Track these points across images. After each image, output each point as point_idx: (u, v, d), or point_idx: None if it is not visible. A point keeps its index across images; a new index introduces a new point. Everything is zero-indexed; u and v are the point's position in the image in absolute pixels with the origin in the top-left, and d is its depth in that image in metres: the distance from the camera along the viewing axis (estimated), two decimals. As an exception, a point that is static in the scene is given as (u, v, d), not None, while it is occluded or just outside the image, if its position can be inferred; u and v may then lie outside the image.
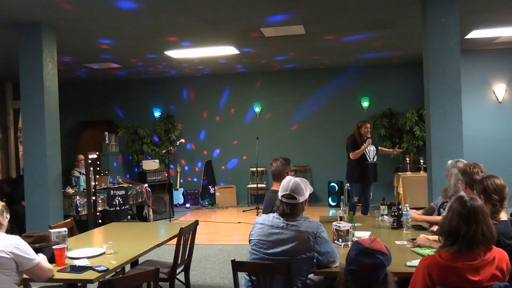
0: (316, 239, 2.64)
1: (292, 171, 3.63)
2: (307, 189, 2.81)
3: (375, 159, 6.86)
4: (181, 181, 10.24)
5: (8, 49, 6.88)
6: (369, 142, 6.71)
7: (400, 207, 3.83)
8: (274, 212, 2.84)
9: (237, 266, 2.82)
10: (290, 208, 2.73)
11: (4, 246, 2.56)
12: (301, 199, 2.76)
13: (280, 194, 2.79)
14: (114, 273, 3.43)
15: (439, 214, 3.80)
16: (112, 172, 8.95)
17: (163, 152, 9.81)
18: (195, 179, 10.41)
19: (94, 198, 6.41)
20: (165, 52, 7.47)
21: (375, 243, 1.95)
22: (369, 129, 6.82)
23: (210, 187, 10.04)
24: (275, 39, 6.84)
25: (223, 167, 10.36)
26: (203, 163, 10.26)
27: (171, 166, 10.01)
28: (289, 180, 2.80)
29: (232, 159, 10.34)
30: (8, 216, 2.78)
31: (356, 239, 2.12)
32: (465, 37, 7.10)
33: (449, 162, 3.79)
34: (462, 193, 3.31)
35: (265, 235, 2.73)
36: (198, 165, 10.41)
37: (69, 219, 4.41)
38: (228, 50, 7.48)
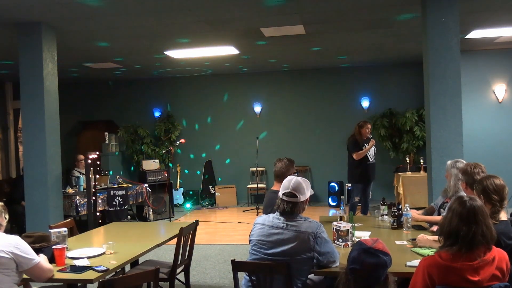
0: (316, 239, 2.64)
1: (295, 172, 3.63)
2: (308, 189, 2.82)
3: (374, 159, 6.92)
4: (181, 181, 10.24)
5: (8, 49, 6.88)
6: (373, 143, 6.76)
7: (400, 207, 3.83)
8: (274, 212, 2.84)
9: (237, 266, 2.82)
10: (291, 207, 2.73)
11: (4, 246, 2.56)
12: (302, 198, 2.76)
13: (281, 192, 2.79)
14: (114, 273, 3.43)
15: (439, 214, 3.80)
16: (112, 172, 8.95)
17: (163, 152, 9.81)
18: (195, 179, 10.40)
19: (94, 198, 6.41)
20: (165, 52, 7.48)
21: (377, 244, 1.96)
22: (370, 130, 6.88)
23: (210, 187, 10.04)
24: (275, 39, 6.84)
25: (223, 167, 10.36)
26: (203, 163, 10.26)
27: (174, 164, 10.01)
28: (290, 179, 2.81)
29: (232, 159, 10.34)
30: (7, 216, 2.78)
31: (359, 239, 2.12)
32: (465, 37, 7.09)
33: (449, 162, 3.79)
34: (462, 193, 3.31)
35: (265, 236, 2.73)
36: (198, 166, 10.41)
37: (69, 219, 4.41)
38: (228, 50, 7.48)
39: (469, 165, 3.29)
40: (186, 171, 10.47)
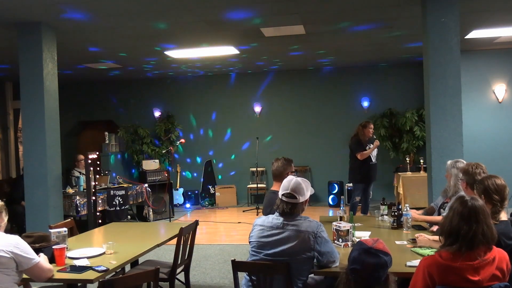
0: (316, 239, 2.64)
1: (294, 172, 3.63)
2: (308, 190, 2.81)
3: (376, 160, 6.95)
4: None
5: (8, 49, 6.88)
6: (377, 144, 6.81)
7: (400, 207, 3.83)
8: (273, 212, 2.84)
9: (237, 266, 2.82)
10: (290, 207, 2.73)
11: (4, 245, 2.56)
12: (301, 199, 2.76)
13: (280, 193, 2.79)
14: (114, 273, 3.43)
15: (439, 214, 3.80)
16: (112, 172, 8.95)
17: (163, 152, 9.81)
18: (195, 179, 10.40)
19: (94, 198, 6.41)
20: (165, 52, 7.47)
21: (378, 244, 1.96)
22: (372, 130, 6.92)
23: (210, 187, 10.04)
24: (275, 39, 6.84)
25: (223, 167, 10.36)
26: (203, 163, 10.26)
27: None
28: (290, 180, 2.80)
29: (232, 159, 10.34)
30: (7, 216, 2.78)
31: (359, 239, 2.12)
32: (465, 37, 7.09)
33: (449, 162, 3.79)
34: (462, 193, 3.31)
35: (265, 237, 2.73)
36: (198, 165, 10.41)
37: (69, 219, 4.41)
38: (228, 50, 7.48)
39: (471, 165, 3.28)
40: (186, 169, 10.48)
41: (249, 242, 2.84)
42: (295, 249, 2.64)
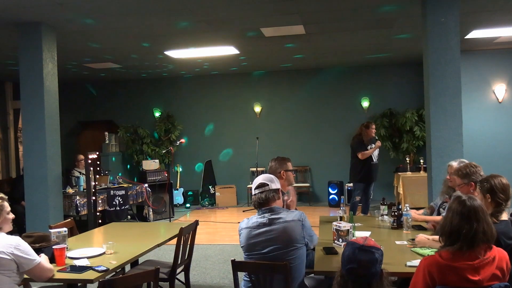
0: (303, 226, 2.72)
1: (292, 171, 3.62)
2: (278, 181, 2.89)
3: (377, 160, 6.96)
4: (180, 169, 10.22)
5: (8, 49, 6.88)
6: (379, 144, 6.85)
7: (400, 207, 3.83)
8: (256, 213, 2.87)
9: (237, 266, 2.82)
10: (265, 194, 2.78)
11: (4, 247, 2.56)
12: (273, 186, 2.82)
13: (253, 189, 2.87)
14: (114, 273, 3.43)
15: (438, 214, 3.80)
16: (112, 172, 8.95)
17: (163, 152, 9.80)
18: (195, 179, 10.40)
19: (94, 198, 6.41)
20: (165, 52, 7.48)
21: (368, 241, 1.97)
22: (374, 130, 6.96)
23: (210, 187, 10.03)
24: (275, 39, 6.84)
25: (223, 167, 10.36)
26: (203, 163, 10.26)
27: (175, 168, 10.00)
28: (258, 177, 2.91)
29: (232, 159, 10.34)
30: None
31: (349, 240, 2.13)
32: (465, 37, 7.10)
33: (454, 163, 3.76)
34: (459, 192, 3.30)
35: (253, 237, 2.74)
36: (198, 165, 10.41)
37: (69, 219, 4.41)
38: (228, 50, 7.48)
39: (469, 166, 3.28)
40: (186, 169, 10.47)
41: (241, 247, 2.86)
42: (288, 240, 2.66)
